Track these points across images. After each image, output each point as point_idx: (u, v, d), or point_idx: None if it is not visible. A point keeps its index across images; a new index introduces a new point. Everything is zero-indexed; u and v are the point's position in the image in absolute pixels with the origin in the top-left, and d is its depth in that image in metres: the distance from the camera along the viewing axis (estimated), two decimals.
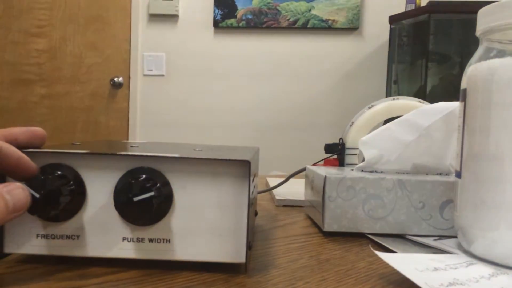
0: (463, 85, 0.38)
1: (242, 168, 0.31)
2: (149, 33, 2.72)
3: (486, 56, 0.36)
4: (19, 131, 0.32)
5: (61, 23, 2.70)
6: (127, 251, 0.31)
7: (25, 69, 2.70)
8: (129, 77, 2.71)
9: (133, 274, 0.31)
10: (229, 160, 0.31)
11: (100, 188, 0.31)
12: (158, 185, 0.30)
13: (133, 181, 0.30)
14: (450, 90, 2.04)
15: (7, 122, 2.59)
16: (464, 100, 0.37)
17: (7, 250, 0.32)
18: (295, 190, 0.71)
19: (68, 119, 2.72)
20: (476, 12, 0.37)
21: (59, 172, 0.30)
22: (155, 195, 0.29)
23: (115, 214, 0.31)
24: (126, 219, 0.31)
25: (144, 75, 2.72)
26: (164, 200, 0.30)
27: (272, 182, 0.77)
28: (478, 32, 0.37)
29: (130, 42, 2.70)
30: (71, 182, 0.30)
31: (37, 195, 0.28)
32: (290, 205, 0.63)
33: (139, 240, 0.31)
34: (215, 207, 0.31)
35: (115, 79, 2.68)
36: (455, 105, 0.47)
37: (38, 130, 0.33)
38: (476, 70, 0.36)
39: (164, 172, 0.31)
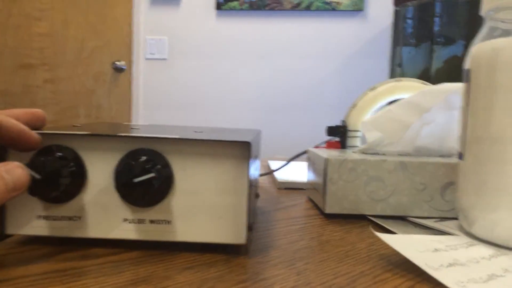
0: (467, 65, 0.37)
1: (242, 149, 0.31)
2: (151, 16, 2.70)
3: (490, 36, 0.35)
4: (20, 112, 0.32)
5: (62, 6, 2.68)
6: (128, 232, 0.32)
7: (27, 53, 2.69)
8: (131, 61, 2.70)
9: (134, 255, 0.31)
10: (229, 141, 0.31)
11: (100, 170, 0.31)
12: (158, 166, 0.30)
13: (133, 163, 0.30)
14: (455, 73, 2.02)
15: (11, 106, 2.58)
16: (467, 80, 0.37)
17: (8, 231, 0.32)
18: (297, 172, 0.71)
19: (71, 103, 2.72)
20: None
21: (59, 154, 0.30)
22: (155, 176, 0.29)
23: (115, 195, 0.31)
24: (127, 200, 0.31)
25: (146, 58, 2.71)
26: (164, 181, 0.30)
27: (274, 165, 0.77)
28: (482, 11, 0.36)
29: (132, 25, 2.68)
30: (72, 164, 0.30)
31: (38, 176, 0.28)
32: (292, 188, 0.63)
33: (140, 221, 0.31)
34: (215, 188, 0.31)
35: (117, 63, 2.67)
36: (458, 86, 0.47)
37: (38, 111, 0.33)
38: (480, 50, 0.36)
39: (164, 154, 0.31)
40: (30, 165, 0.28)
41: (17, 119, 0.31)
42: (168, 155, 0.31)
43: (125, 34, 2.69)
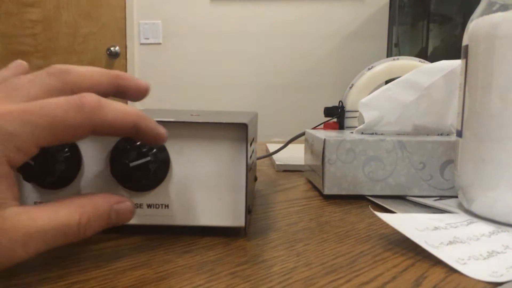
0: (465, 41, 0.37)
1: (239, 131, 0.31)
2: (144, 0, 2.66)
3: (488, 11, 0.35)
4: (129, 86, 0.29)
5: None
6: None
7: (20, 41, 2.67)
8: (125, 46, 2.67)
9: (133, 240, 0.31)
10: (226, 123, 0.31)
11: (96, 155, 0.31)
12: (155, 150, 0.30)
13: (129, 147, 0.29)
14: (452, 51, 2.01)
15: None
16: (465, 57, 0.36)
17: None
18: (295, 155, 0.71)
19: None
20: None
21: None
22: (151, 160, 0.29)
23: (112, 180, 0.30)
24: (123, 185, 0.31)
25: (141, 44, 2.69)
26: (161, 165, 0.30)
27: (272, 148, 0.77)
28: None
29: (125, 9, 2.65)
30: (66, 149, 0.30)
31: (32, 163, 0.28)
32: (290, 170, 0.63)
33: (138, 206, 0.31)
34: (213, 171, 0.31)
35: (112, 48, 2.65)
36: (456, 63, 0.46)
37: (143, 86, 0.30)
38: (478, 26, 0.35)
39: None
40: None
41: (126, 92, 0.29)
42: None
43: (118, 19, 2.66)
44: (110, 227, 0.26)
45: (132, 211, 0.27)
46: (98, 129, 0.24)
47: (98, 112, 0.24)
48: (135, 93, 0.29)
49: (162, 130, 0.27)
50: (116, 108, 0.25)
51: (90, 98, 0.23)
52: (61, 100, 0.23)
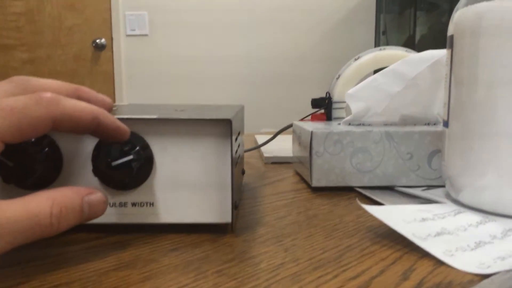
0: (450, 31, 0.36)
1: (223, 127, 0.30)
2: None
3: (473, 0, 0.35)
4: (90, 99, 0.30)
5: None
6: (110, 216, 0.31)
7: (4, 34, 2.62)
8: (111, 38, 2.64)
9: (118, 239, 0.31)
10: (210, 119, 0.30)
11: (77, 154, 0.30)
12: (137, 148, 0.29)
13: (110, 145, 0.29)
14: (440, 39, 2.01)
15: None
16: (451, 47, 0.36)
17: None
18: (284, 146, 0.70)
19: None
20: None
21: (32, 139, 0.29)
22: (134, 158, 0.28)
23: (94, 179, 0.30)
24: (106, 184, 0.30)
25: (127, 35, 2.65)
26: (144, 163, 0.30)
27: (261, 139, 0.76)
28: None
29: (110, 0, 2.61)
30: (47, 149, 0.29)
31: (11, 164, 0.27)
32: (279, 162, 0.62)
33: (122, 204, 0.31)
34: (198, 168, 0.31)
35: (97, 40, 2.61)
36: (442, 53, 0.46)
37: (106, 100, 0.31)
38: (463, 15, 0.35)
39: (143, 135, 0.30)
40: (3, 151, 0.27)
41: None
42: (147, 136, 0.30)
43: (103, 10, 2.62)
44: (85, 221, 0.26)
45: (105, 202, 0.27)
46: (58, 121, 0.25)
47: (57, 104, 0.24)
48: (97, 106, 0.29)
49: (123, 125, 0.28)
50: (75, 102, 0.26)
51: (48, 93, 0.24)
52: (20, 96, 0.24)
